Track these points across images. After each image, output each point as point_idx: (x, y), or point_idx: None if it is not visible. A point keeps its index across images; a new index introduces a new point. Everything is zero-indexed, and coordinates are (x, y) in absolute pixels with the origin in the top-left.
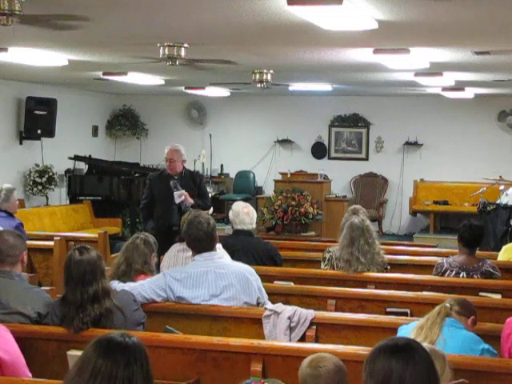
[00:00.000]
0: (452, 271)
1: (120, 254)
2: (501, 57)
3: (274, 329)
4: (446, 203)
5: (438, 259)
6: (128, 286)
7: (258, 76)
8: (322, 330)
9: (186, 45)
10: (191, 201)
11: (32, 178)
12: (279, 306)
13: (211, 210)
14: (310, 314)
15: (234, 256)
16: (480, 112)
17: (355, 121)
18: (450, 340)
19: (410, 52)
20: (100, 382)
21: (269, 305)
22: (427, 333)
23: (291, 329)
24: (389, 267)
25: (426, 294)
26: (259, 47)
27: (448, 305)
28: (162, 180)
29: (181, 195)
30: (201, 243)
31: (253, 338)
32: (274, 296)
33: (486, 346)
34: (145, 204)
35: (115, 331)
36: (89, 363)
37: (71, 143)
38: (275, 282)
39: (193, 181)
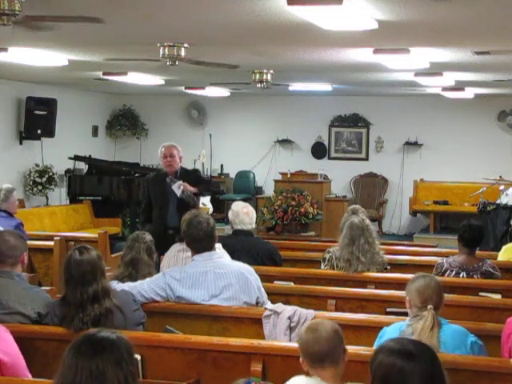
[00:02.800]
0: (452, 271)
1: (123, 266)
2: (501, 57)
3: (274, 329)
4: (446, 203)
5: (438, 259)
6: (128, 286)
7: (257, 76)
8: None
9: (186, 45)
10: (191, 189)
11: (32, 178)
12: (279, 306)
13: (211, 209)
14: (309, 314)
15: (234, 256)
16: (480, 112)
17: (355, 121)
18: (441, 342)
19: (410, 52)
20: (80, 380)
21: (269, 305)
22: (428, 343)
23: (291, 329)
24: (389, 267)
25: None
26: (259, 47)
27: (431, 306)
28: (158, 182)
29: (179, 186)
30: (200, 243)
31: (253, 338)
32: (274, 296)
33: (473, 338)
34: (143, 207)
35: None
36: (62, 363)
37: (71, 143)
38: (275, 282)
39: (189, 178)
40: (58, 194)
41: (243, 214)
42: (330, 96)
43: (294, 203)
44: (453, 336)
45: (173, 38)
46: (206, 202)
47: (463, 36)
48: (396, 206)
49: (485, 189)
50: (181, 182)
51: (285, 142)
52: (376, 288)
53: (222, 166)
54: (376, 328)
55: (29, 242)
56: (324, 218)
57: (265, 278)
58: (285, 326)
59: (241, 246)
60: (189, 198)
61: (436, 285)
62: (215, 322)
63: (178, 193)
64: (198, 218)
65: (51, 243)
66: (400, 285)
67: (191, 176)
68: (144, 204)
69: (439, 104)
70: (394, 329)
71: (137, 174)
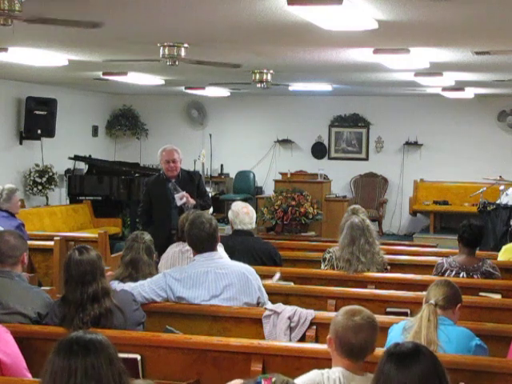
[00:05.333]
0: (452, 271)
1: (122, 266)
2: (501, 57)
3: (274, 329)
4: (446, 203)
5: (438, 259)
6: (128, 286)
7: (258, 76)
8: (322, 330)
9: (185, 45)
10: (193, 201)
11: (32, 178)
12: (279, 306)
13: (211, 209)
14: (309, 314)
15: (234, 256)
16: (480, 112)
17: (355, 121)
18: (444, 341)
19: (410, 52)
20: (76, 381)
21: (269, 305)
22: (426, 339)
23: (291, 329)
24: (389, 267)
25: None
26: (259, 47)
27: (433, 302)
28: (160, 184)
29: (182, 197)
30: (202, 244)
31: (253, 338)
32: (274, 296)
33: (478, 341)
34: (143, 210)
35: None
36: (50, 366)
37: (71, 143)
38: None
39: (191, 181)
40: (58, 194)
41: (243, 213)
42: (330, 96)
43: (294, 203)
44: (458, 337)
45: (173, 37)
46: None
47: (463, 36)
48: (396, 206)
49: (485, 189)
50: (184, 193)
51: (285, 142)
52: (376, 288)
53: (222, 165)
54: None
55: (29, 242)
56: (324, 218)
57: (265, 278)
58: (285, 326)
59: (241, 246)
60: (188, 209)
61: (448, 287)
62: (215, 322)
63: (179, 203)
64: (201, 218)
65: (51, 243)
66: (400, 285)
67: (193, 180)
68: (144, 207)
69: (439, 104)
70: (399, 326)
71: (137, 174)
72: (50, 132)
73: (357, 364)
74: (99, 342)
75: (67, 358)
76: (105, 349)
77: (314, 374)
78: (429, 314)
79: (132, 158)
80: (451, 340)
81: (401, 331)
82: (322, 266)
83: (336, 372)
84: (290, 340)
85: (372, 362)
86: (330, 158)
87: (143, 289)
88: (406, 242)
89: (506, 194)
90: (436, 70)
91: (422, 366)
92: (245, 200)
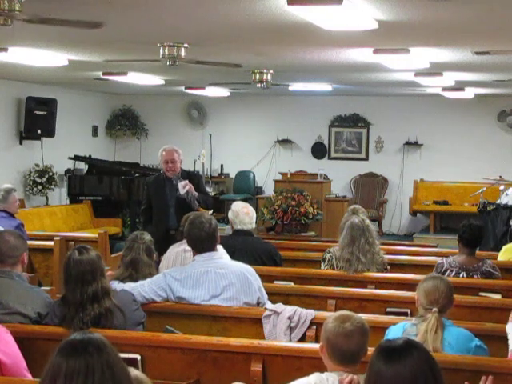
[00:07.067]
0: (452, 271)
1: (123, 267)
2: (501, 57)
3: (274, 329)
4: (445, 203)
5: (438, 259)
6: (128, 286)
7: (258, 76)
8: None
9: (185, 45)
10: (195, 193)
11: (32, 178)
12: (279, 306)
13: (211, 210)
14: (309, 314)
15: (234, 256)
16: (480, 112)
17: (355, 121)
18: (446, 344)
19: (410, 52)
20: (94, 380)
21: (269, 305)
22: (432, 345)
23: (291, 329)
24: (389, 267)
25: None
26: (259, 47)
27: (437, 309)
28: (159, 184)
29: (185, 185)
30: (202, 244)
31: (253, 338)
32: (274, 296)
33: (478, 342)
34: (144, 209)
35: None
36: (61, 369)
37: (71, 143)
38: (275, 282)
39: (191, 182)
40: (58, 194)
41: (243, 213)
42: (330, 96)
43: (294, 203)
44: (458, 339)
45: (173, 37)
46: None
47: (463, 36)
48: (396, 206)
49: (485, 189)
50: (187, 181)
51: (285, 142)
52: (376, 288)
53: (222, 165)
54: (376, 328)
55: (29, 242)
56: (324, 218)
57: (265, 278)
58: (285, 326)
59: (241, 246)
60: (191, 198)
61: (445, 287)
62: (215, 322)
63: (182, 191)
64: (201, 218)
65: (51, 243)
66: (400, 285)
67: (193, 180)
68: (145, 206)
69: (439, 104)
70: (398, 328)
71: (137, 174)
72: (49, 132)
73: (351, 368)
74: (107, 342)
75: (84, 357)
76: (112, 348)
77: (315, 376)
78: (436, 326)
79: (132, 158)
80: (452, 341)
81: (401, 333)
82: (322, 266)
83: (335, 374)
84: (290, 340)
85: None
86: (330, 158)
87: (143, 289)
88: (406, 242)
89: (506, 194)
90: (436, 69)
91: (414, 360)
92: (245, 200)
